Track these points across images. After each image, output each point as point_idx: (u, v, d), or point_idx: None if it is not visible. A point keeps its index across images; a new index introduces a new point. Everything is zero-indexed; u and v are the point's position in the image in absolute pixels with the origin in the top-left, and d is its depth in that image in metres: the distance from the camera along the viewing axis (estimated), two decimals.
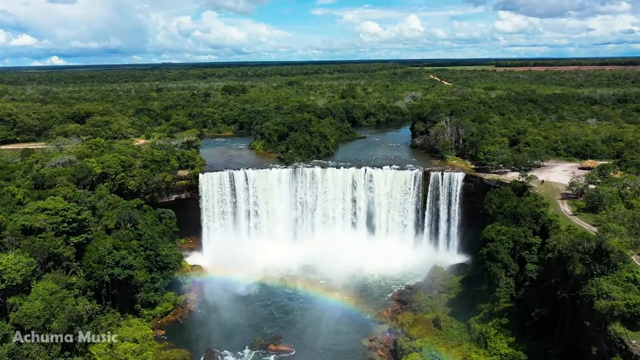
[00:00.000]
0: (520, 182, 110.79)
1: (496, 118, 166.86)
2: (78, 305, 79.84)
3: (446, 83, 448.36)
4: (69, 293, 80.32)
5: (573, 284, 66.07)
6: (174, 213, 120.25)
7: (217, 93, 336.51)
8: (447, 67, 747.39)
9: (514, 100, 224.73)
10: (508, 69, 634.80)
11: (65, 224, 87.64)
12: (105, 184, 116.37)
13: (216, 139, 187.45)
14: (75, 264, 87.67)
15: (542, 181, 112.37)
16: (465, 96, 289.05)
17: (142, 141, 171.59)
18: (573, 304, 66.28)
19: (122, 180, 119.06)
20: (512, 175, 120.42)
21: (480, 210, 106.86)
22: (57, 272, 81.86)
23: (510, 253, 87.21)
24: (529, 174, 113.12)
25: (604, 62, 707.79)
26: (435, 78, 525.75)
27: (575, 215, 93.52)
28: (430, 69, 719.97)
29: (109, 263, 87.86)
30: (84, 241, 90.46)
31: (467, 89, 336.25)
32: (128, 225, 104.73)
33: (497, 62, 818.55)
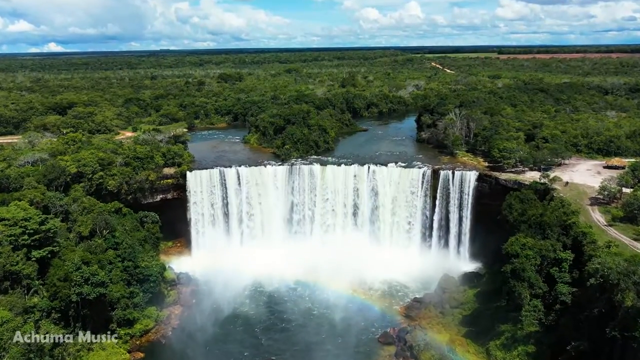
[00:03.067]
0: (542, 183, 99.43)
1: (508, 110, 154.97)
2: (39, 331, 68.94)
3: (448, 71, 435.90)
4: (29, 318, 69.49)
5: (624, 320, 54.90)
6: (157, 217, 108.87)
7: (213, 81, 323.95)
8: (448, 55, 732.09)
9: (524, 90, 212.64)
10: (512, 56, 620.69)
11: (26, 236, 76.35)
12: (81, 184, 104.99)
13: (208, 132, 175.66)
14: (37, 282, 76.54)
15: (567, 183, 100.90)
16: (471, 85, 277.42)
17: (128, 134, 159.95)
18: (625, 343, 55.18)
19: (101, 180, 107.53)
20: (530, 175, 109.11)
21: (498, 216, 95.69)
22: (15, 293, 70.85)
23: (537, 269, 76.01)
24: (552, 174, 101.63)
25: (609, 49, 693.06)
26: (437, 66, 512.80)
27: (610, 225, 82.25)
28: (431, 56, 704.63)
29: (77, 281, 76.47)
30: (49, 255, 79.28)
31: (472, 77, 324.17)
32: (104, 233, 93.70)
33: (500, 50, 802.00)
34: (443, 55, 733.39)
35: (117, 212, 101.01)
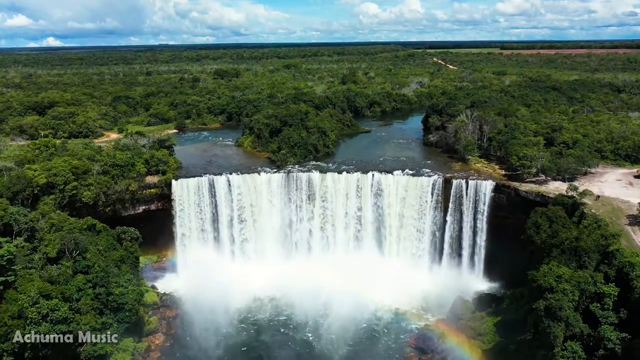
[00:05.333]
0: (569, 197, 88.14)
1: (523, 110, 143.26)
2: None
3: (451, 67, 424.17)
4: None
5: None
6: (137, 233, 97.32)
7: (208, 77, 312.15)
8: (450, 50, 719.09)
9: (535, 88, 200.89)
10: (515, 51, 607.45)
11: None
12: (52, 196, 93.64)
13: (200, 132, 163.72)
14: None
15: (597, 197, 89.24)
16: (476, 82, 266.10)
17: (114, 135, 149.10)
18: None
19: (74, 191, 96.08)
20: (554, 187, 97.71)
21: (521, 236, 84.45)
22: None
23: (574, 305, 64.72)
24: (580, 186, 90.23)
25: (614, 45, 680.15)
26: (440, 61, 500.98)
27: None
28: (433, 51, 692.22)
29: (33, 318, 65.13)
30: (1, 287, 67.79)
31: (477, 74, 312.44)
32: (74, 254, 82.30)
33: (503, 45, 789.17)
34: (445, 50, 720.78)
35: (91, 228, 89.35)
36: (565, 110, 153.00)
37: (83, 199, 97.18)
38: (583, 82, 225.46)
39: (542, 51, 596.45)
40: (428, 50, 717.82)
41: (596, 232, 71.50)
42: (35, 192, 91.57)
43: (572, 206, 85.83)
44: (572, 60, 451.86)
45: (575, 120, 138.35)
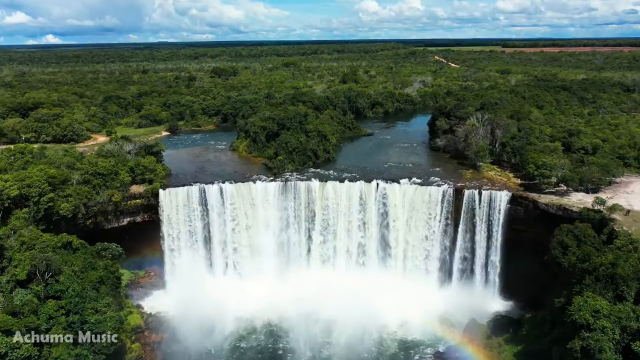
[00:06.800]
0: (596, 211, 79.61)
1: (536, 113, 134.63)
2: None
3: (453, 65, 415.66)
4: None
5: None
6: (119, 249, 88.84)
7: (205, 76, 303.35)
8: (451, 48, 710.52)
9: (545, 87, 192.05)
10: (518, 49, 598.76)
11: None
12: (25, 209, 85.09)
13: (193, 135, 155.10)
14: None
15: (628, 211, 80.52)
16: (481, 81, 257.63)
17: (102, 138, 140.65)
18: None
19: (51, 204, 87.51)
20: (577, 199, 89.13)
21: (544, 256, 76.26)
22: None
23: (614, 345, 56.22)
24: (607, 199, 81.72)
25: (617, 43, 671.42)
26: (441, 59, 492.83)
27: None
28: (434, 49, 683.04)
29: None
30: None
31: (481, 72, 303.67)
32: (46, 276, 73.79)
33: (505, 43, 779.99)
34: (446, 48, 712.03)
35: (66, 246, 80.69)
36: (581, 112, 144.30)
37: (60, 211, 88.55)
38: (593, 82, 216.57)
39: (545, 49, 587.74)
40: (429, 48, 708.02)
41: (633, 255, 63.02)
42: (7, 204, 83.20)
43: (599, 222, 77.40)
44: (576, 59, 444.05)
45: (592, 124, 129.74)
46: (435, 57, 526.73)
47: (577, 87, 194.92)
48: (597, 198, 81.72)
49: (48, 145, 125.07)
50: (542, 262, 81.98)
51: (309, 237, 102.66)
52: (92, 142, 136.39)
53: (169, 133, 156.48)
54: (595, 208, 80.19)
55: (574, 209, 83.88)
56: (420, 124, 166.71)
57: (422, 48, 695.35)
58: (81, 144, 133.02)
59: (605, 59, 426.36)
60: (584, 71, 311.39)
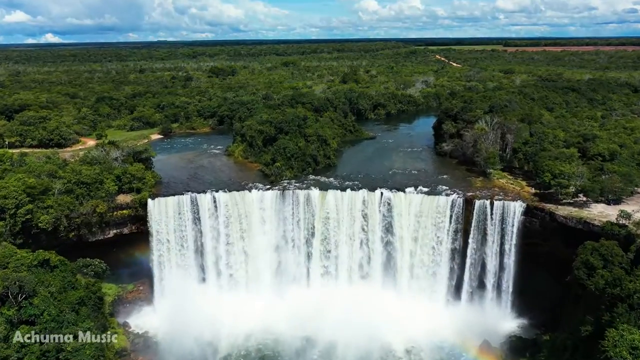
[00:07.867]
0: (621, 225, 72.98)
1: (547, 116, 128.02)
2: None
3: (455, 64, 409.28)
4: None
5: None
6: (102, 265, 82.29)
7: (203, 76, 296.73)
8: (452, 47, 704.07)
9: (552, 88, 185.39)
10: (520, 49, 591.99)
11: None
12: (0, 223, 78.54)
13: (187, 138, 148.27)
14: None
15: None
16: (485, 81, 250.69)
17: (91, 142, 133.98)
18: None
19: (29, 216, 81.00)
20: (598, 210, 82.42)
21: (567, 277, 69.57)
22: None
23: None
24: (634, 213, 75.03)
25: (620, 42, 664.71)
26: (442, 59, 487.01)
27: None
28: (435, 48, 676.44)
29: None
30: None
31: (484, 72, 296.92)
32: (19, 298, 67.15)
33: (506, 42, 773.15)
34: (447, 47, 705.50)
35: (44, 264, 73.97)
36: (594, 115, 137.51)
37: (40, 224, 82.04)
38: (601, 82, 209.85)
39: (547, 48, 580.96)
40: (429, 47, 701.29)
41: None
42: None
43: (625, 238, 70.70)
44: (579, 58, 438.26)
45: (607, 127, 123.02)
46: (436, 56, 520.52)
47: (585, 87, 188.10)
48: (621, 211, 75.11)
49: (32, 150, 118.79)
50: (563, 282, 75.64)
51: (308, 251, 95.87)
52: (81, 147, 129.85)
53: (162, 136, 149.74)
54: (620, 222, 73.57)
55: (596, 222, 77.25)
56: (423, 126, 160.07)
57: (422, 47, 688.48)
58: (69, 149, 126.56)
59: (610, 58, 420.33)
60: (588, 71, 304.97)
